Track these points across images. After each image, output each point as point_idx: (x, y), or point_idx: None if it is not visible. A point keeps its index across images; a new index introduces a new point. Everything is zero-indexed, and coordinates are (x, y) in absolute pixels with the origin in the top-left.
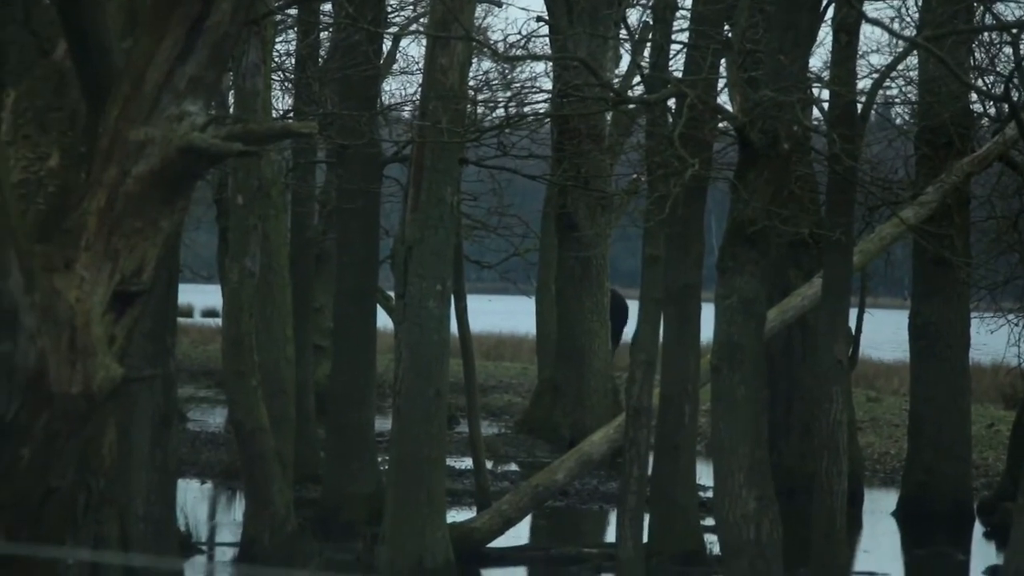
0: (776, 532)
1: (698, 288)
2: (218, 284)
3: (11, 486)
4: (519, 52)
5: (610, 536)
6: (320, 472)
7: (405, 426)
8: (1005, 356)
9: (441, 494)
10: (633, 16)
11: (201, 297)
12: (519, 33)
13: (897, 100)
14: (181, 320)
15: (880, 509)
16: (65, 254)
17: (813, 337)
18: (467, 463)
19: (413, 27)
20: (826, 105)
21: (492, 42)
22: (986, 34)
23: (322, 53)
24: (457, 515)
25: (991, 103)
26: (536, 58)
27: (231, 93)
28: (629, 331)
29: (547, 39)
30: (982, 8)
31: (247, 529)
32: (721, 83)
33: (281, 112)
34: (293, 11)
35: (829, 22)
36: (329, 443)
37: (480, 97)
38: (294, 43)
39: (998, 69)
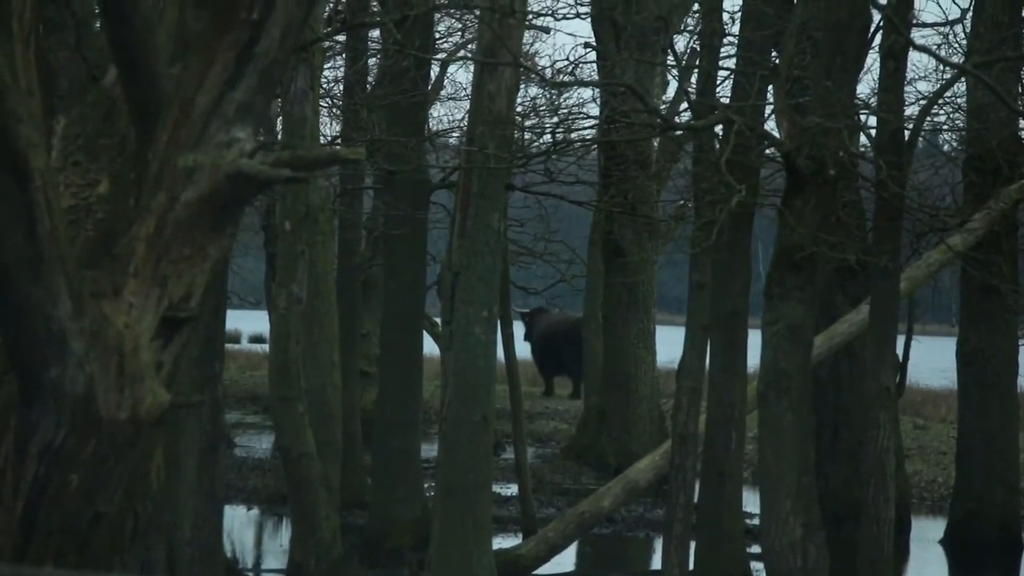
0: (823, 559)
1: (745, 314)
2: (265, 310)
3: (59, 511)
4: (566, 78)
5: (656, 563)
6: (366, 498)
7: (451, 452)
8: None
9: (487, 520)
10: (680, 42)
11: (248, 323)
12: (567, 59)
13: (945, 127)
14: (228, 346)
15: (927, 537)
16: (114, 280)
17: (860, 364)
18: (513, 489)
19: (461, 53)
20: (873, 132)
21: (540, 68)
22: None
23: (370, 79)
24: (503, 541)
25: None
26: (583, 84)
27: (279, 119)
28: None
29: (594, 65)
30: None
31: (293, 555)
32: (768, 109)
33: (329, 138)
34: (341, 38)
35: (877, 49)
36: (375, 469)
37: (527, 123)
38: (342, 69)
39: None
